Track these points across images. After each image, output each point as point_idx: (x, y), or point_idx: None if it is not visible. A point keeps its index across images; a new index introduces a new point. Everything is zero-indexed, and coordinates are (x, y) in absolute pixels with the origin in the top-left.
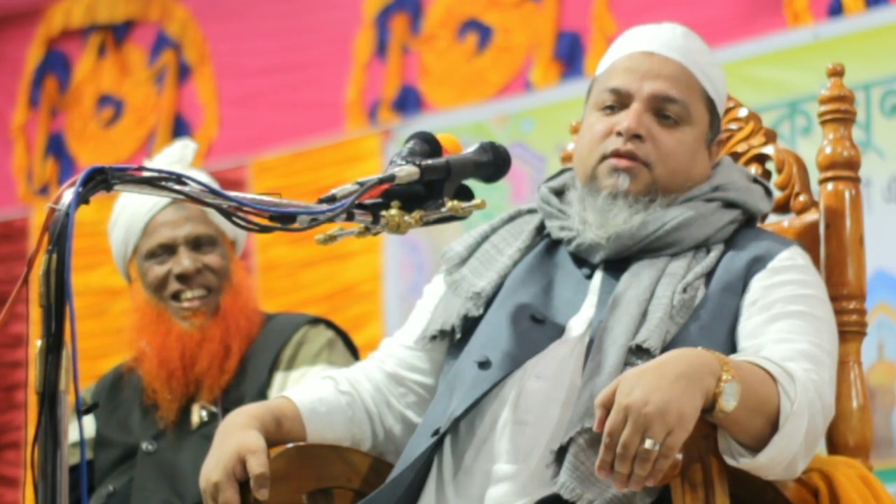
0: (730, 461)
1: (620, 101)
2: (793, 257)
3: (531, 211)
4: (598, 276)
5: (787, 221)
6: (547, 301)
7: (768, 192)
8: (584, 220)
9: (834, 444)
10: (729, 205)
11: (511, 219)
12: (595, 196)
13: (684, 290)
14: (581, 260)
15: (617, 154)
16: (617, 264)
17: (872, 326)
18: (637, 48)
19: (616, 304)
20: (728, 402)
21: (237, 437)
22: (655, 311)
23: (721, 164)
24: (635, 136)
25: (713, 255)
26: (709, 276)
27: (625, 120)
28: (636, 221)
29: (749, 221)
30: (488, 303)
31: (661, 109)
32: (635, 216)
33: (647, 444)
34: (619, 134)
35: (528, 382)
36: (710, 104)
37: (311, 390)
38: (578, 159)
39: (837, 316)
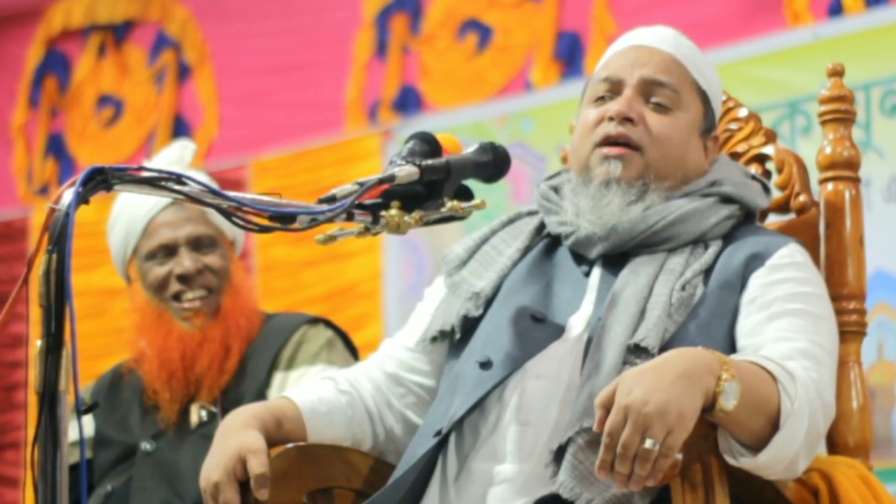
0: (730, 461)
1: (612, 89)
2: (791, 254)
3: (531, 213)
4: (597, 272)
5: (787, 221)
6: (547, 300)
7: (766, 189)
8: (578, 210)
9: (834, 444)
10: (726, 200)
11: (510, 221)
12: (588, 185)
13: (683, 288)
14: (580, 257)
15: (608, 138)
16: (614, 260)
17: (872, 326)
18: (628, 44)
19: (614, 301)
20: (728, 402)
21: (238, 437)
22: (654, 308)
23: (718, 162)
24: (626, 120)
25: (711, 250)
26: (707, 272)
27: (615, 104)
28: (634, 213)
29: (748, 218)
30: (488, 303)
31: (651, 94)
32: (632, 207)
33: (647, 443)
34: (610, 119)
35: (528, 382)
36: (703, 95)
37: (311, 390)
38: (573, 151)
39: (837, 316)
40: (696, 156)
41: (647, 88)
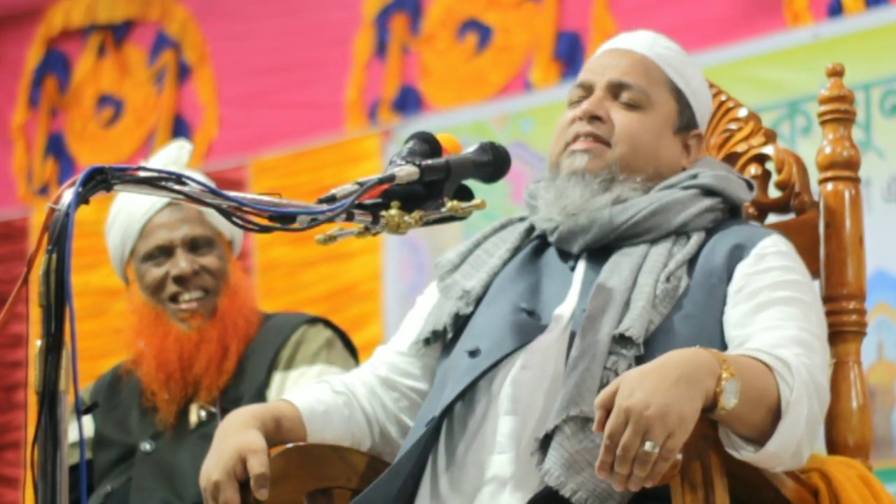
0: (735, 454)
1: (585, 93)
2: (775, 244)
3: (522, 218)
4: (581, 266)
5: (787, 221)
6: (535, 296)
7: (750, 186)
8: (547, 202)
9: (834, 444)
10: (708, 192)
11: (502, 226)
12: (556, 179)
13: (667, 280)
14: (566, 254)
15: (578, 136)
16: (598, 253)
17: (872, 326)
18: (604, 49)
19: (598, 293)
20: (729, 400)
21: (238, 437)
22: (638, 299)
23: (702, 162)
24: (595, 118)
25: (694, 240)
26: (691, 264)
27: (585, 104)
28: (601, 202)
29: (733, 213)
30: (479, 302)
31: (619, 94)
32: (597, 197)
33: (647, 446)
34: (580, 119)
35: (516, 373)
36: (678, 94)
37: (307, 392)
38: (550, 152)
39: (837, 316)
40: (670, 152)
41: (615, 90)
